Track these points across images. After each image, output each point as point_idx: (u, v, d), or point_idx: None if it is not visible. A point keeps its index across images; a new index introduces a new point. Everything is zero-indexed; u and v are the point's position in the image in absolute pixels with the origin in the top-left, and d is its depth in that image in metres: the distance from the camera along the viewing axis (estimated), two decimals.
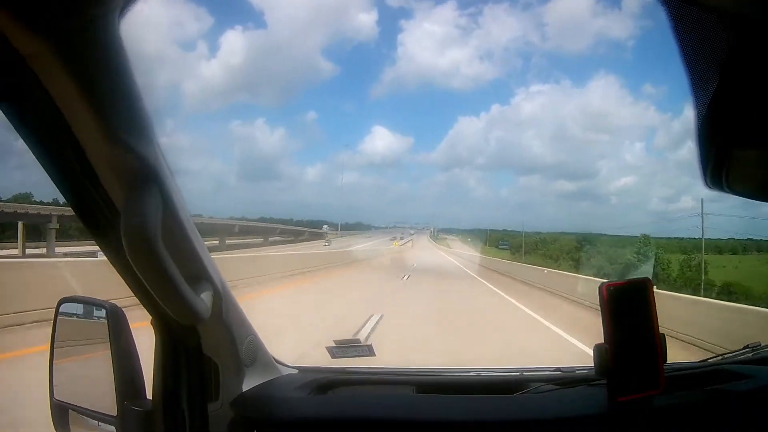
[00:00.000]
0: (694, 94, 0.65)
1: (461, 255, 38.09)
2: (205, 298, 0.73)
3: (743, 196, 0.73)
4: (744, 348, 1.21)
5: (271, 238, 52.62)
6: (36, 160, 0.59)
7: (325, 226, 72.00)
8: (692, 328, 6.10)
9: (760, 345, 1.21)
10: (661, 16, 0.67)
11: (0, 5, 0.42)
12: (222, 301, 0.82)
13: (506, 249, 55.64)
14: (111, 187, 0.60)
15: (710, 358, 1.20)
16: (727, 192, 0.70)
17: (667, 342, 0.85)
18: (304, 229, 67.93)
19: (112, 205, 0.61)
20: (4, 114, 0.54)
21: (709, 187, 0.72)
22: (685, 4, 0.60)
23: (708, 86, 0.63)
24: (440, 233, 78.43)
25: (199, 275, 0.75)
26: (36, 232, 28.33)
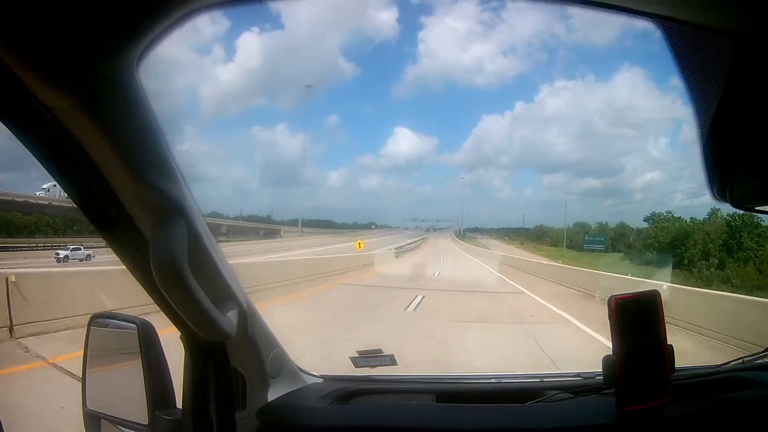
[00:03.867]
0: (696, 114, 0.67)
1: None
2: (231, 316, 0.77)
3: (748, 211, 0.75)
4: (765, 350, 1.20)
5: None
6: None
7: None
8: None
9: None
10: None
11: (26, 65, 0.47)
12: (247, 318, 0.86)
13: (600, 250, 34.64)
14: (140, 221, 0.64)
15: (732, 361, 1.19)
16: (732, 206, 0.72)
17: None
18: (222, 222, 44.14)
19: (142, 236, 0.65)
20: (38, 160, 0.58)
21: (717, 200, 0.74)
22: (682, 26, 0.61)
23: (710, 106, 0.65)
24: (467, 232, 65.22)
25: (226, 296, 0.79)
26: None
